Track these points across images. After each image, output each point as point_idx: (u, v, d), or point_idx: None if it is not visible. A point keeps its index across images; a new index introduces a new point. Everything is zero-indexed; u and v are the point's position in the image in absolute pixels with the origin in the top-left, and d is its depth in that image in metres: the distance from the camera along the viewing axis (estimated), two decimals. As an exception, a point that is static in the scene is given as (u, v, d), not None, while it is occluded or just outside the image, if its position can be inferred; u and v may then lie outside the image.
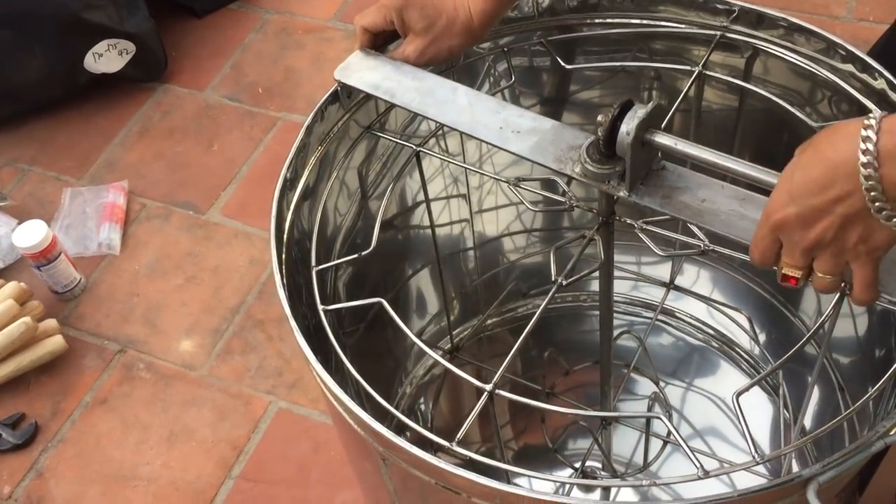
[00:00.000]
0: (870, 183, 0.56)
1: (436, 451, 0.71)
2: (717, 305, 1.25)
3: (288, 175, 0.88)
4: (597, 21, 1.02)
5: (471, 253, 1.25)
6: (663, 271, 1.25)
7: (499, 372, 0.73)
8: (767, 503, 0.68)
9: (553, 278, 0.78)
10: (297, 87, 1.84)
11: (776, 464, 1.08)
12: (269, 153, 1.73)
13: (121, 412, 1.40)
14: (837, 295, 0.68)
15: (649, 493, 1.12)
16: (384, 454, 0.74)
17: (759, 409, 1.20)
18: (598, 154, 0.74)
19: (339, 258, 0.95)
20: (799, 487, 0.66)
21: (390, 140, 0.98)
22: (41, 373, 1.45)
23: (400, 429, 0.76)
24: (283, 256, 0.85)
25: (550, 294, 0.76)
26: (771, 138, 1.04)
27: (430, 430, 1.24)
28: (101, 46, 1.74)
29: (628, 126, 0.69)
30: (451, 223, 1.20)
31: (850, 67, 0.91)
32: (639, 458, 1.12)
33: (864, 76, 0.90)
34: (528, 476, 0.76)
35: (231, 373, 1.43)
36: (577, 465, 1.14)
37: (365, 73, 0.88)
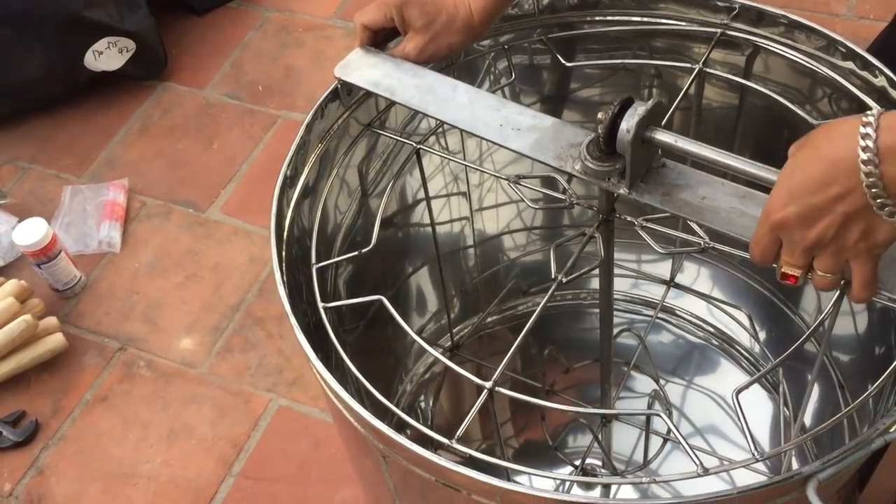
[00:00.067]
0: (871, 180, 0.56)
1: (436, 449, 0.71)
2: (717, 303, 1.25)
3: (288, 173, 0.88)
4: (597, 18, 1.02)
5: (471, 251, 1.25)
6: (663, 269, 1.25)
7: (498, 369, 0.73)
8: (767, 500, 0.67)
9: (553, 276, 0.78)
10: (297, 85, 1.84)
11: (776, 461, 1.08)
12: (269, 151, 1.73)
13: (121, 410, 1.40)
14: (837, 292, 0.68)
15: (649, 491, 1.12)
16: (384, 452, 0.74)
17: (760, 407, 1.20)
18: (599, 151, 0.74)
19: (339, 256, 0.95)
20: (799, 485, 0.66)
21: (390, 138, 0.98)
22: (42, 370, 1.45)
23: (400, 426, 0.76)
24: (284, 254, 0.85)
25: (550, 292, 0.76)
26: (771, 136, 1.04)
27: (431, 428, 1.24)
28: (101, 44, 1.74)
29: (628, 123, 0.69)
30: (452, 221, 1.20)
31: (850, 65, 0.91)
32: (639, 456, 1.12)
33: (865, 73, 0.90)
34: (528, 473, 0.76)
35: (231, 370, 1.43)
36: (578, 462, 1.14)
37: (365, 70, 0.88)
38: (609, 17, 1.02)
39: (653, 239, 0.80)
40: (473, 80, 1.06)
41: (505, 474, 0.83)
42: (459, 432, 0.70)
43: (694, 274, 1.28)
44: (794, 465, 1.09)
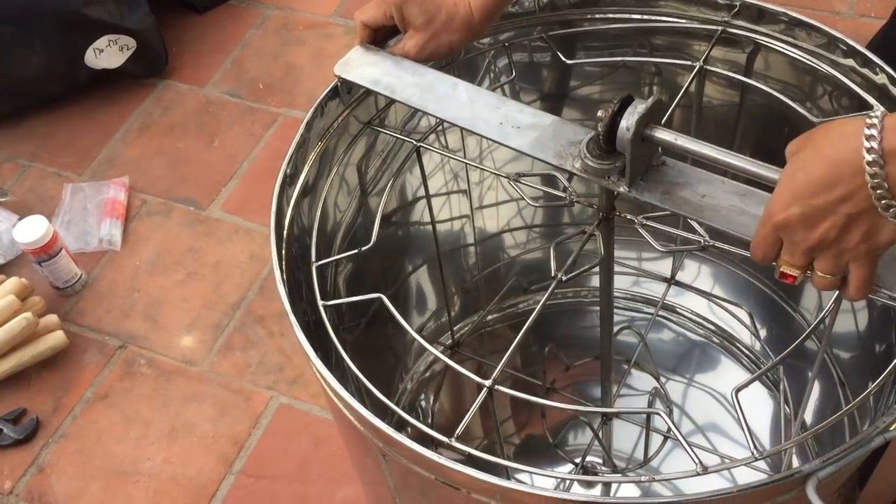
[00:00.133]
0: (876, 181, 0.56)
1: (436, 447, 0.71)
2: (717, 301, 1.25)
3: (288, 171, 0.88)
4: (597, 16, 1.02)
5: (471, 248, 1.25)
6: (664, 267, 1.25)
7: (498, 368, 0.73)
8: (768, 498, 0.68)
9: (553, 274, 0.78)
10: (298, 83, 1.84)
11: (776, 459, 1.09)
12: (269, 149, 1.73)
13: (122, 408, 1.40)
14: (837, 291, 0.68)
15: (650, 489, 1.12)
16: (384, 450, 0.74)
17: (760, 405, 1.20)
18: (598, 149, 0.73)
19: (339, 254, 0.95)
20: (799, 483, 0.66)
21: (390, 136, 0.98)
22: (42, 368, 1.45)
23: (400, 425, 0.76)
24: (284, 252, 0.85)
25: (550, 290, 0.76)
26: (772, 133, 1.04)
27: (431, 426, 1.24)
28: (101, 42, 1.74)
29: (628, 121, 0.69)
30: (452, 219, 1.20)
31: (850, 62, 0.90)
32: (640, 453, 1.12)
33: (865, 71, 0.89)
34: (529, 472, 0.76)
35: (232, 368, 1.43)
36: (578, 460, 1.14)
37: (365, 68, 0.88)
38: (609, 15, 1.01)
39: (653, 237, 0.80)
40: (474, 78, 1.06)
41: (505, 473, 0.84)
42: (459, 430, 0.70)
43: (695, 272, 1.28)
44: (795, 463, 1.09)
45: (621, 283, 1.28)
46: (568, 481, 1.12)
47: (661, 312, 1.26)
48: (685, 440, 0.70)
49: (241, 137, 1.75)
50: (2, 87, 1.76)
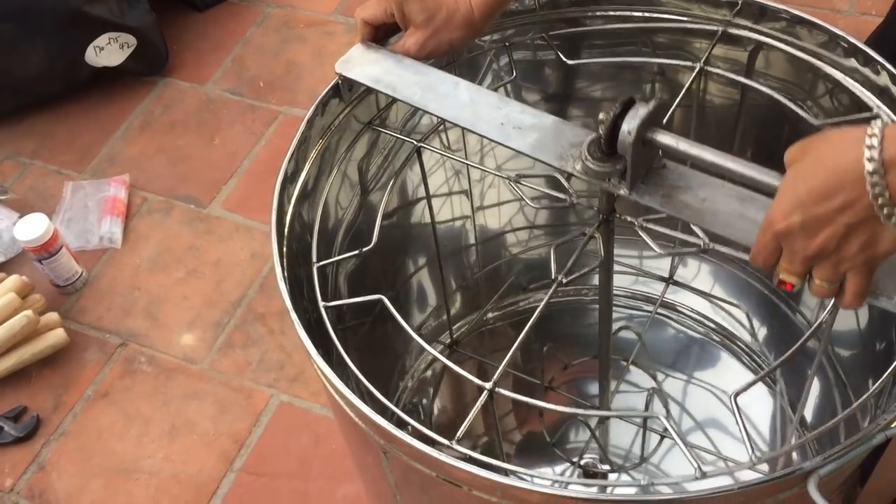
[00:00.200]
0: (877, 190, 0.56)
1: (436, 445, 0.71)
2: (717, 301, 1.25)
3: (289, 169, 0.88)
4: (598, 14, 1.02)
5: (472, 247, 1.25)
6: (665, 265, 1.25)
7: (498, 370, 0.73)
8: (769, 496, 0.68)
9: (553, 276, 0.79)
10: (299, 81, 1.84)
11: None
12: (270, 147, 1.73)
13: (122, 405, 1.40)
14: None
15: (651, 487, 1.12)
16: (385, 447, 0.75)
17: (760, 403, 1.20)
18: (600, 152, 0.73)
19: (340, 252, 0.95)
20: (800, 480, 0.66)
21: (391, 135, 0.98)
22: (43, 366, 1.45)
23: (401, 423, 0.76)
24: (285, 250, 0.85)
25: (550, 292, 0.76)
26: (772, 133, 1.04)
27: (432, 424, 1.25)
28: (102, 40, 1.74)
29: (630, 125, 0.69)
30: (453, 218, 1.20)
31: (852, 61, 0.90)
32: (637, 449, 1.12)
33: (866, 69, 0.89)
34: (527, 475, 0.76)
35: (232, 366, 1.43)
36: (576, 459, 1.14)
37: (366, 66, 0.88)
38: (611, 13, 1.01)
39: (653, 238, 0.80)
40: (475, 77, 1.06)
41: (505, 473, 0.83)
42: (459, 434, 0.70)
43: (695, 270, 1.28)
44: (795, 460, 1.09)
45: (622, 281, 1.29)
46: (567, 483, 1.12)
47: (661, 310, 1.26)
48: (684, 443, 0.70)
49: (242, 135, 1.75)
50: (2, 84, 1.76)
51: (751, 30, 0.96)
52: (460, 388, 1.29)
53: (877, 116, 0.86)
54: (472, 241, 1.24)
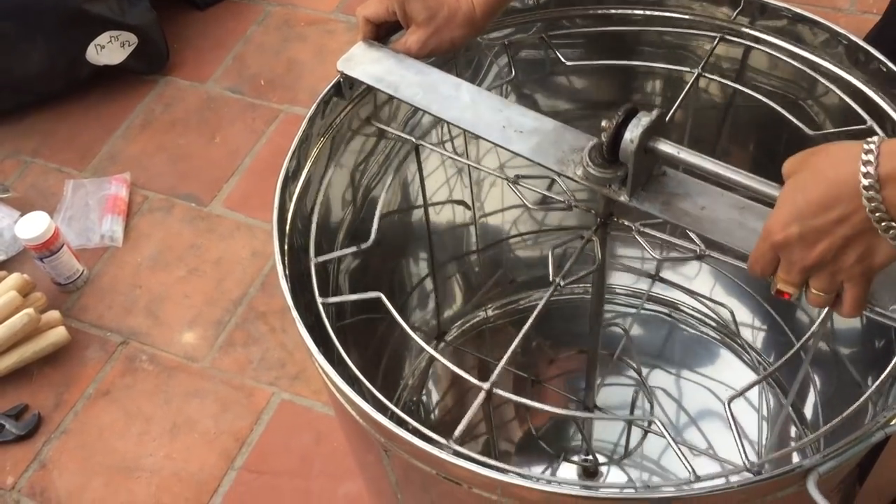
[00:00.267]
0: (873, 204, 0.57)
1: (435, 443, 0.71)
2: (717, 301, 1.25)
3: (290, 167, 0.88)
4: (599, 12, 1.02)
5: (472, 245, 1.25)
6: (665, 264, 1.25)
7: (496, 371, 0.73)
8: (767, 494, 0.68)
9: (550, 279, 0.79)
10: (300, 80, 1.84)
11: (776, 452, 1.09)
12: (271, 145, 1.73)
13: (123, 404, 1.41)
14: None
15: (650, 482, 1.13)
16: (386, 445, 0.75)
17: (758, 400, 1.20)
18: (601, 158, 0.74)
19: (340, 249, 0.95)
20: (799, 478, 0.66)
21: (391, 133, 0.98)
22: (44, 364, 1.45)
23: (402, 421, 0.76)
24: (286, 248, 0.85)
25: (548, 294, 0.77)
26: (772, 133, 1.04)
27: (432, 420, 1.25)
28: (103, 38, 1.74)
29: (632, 133, 0.69)
30: (453, 215, 1.20)
31: (853, 59, 0.91)
32: (625, 442, 1.14)
33: (867, 68, 0.89)
34: (522, 475, 0.77)
35: (233, 364, 1.43)
36: (574, 456, 1.16)
37: (368, 65, 0.88)
38: (612, 10, 1.01)
39: (650, 241, 0.80)
40: (476, 76, 1.06)
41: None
42: (457, 433, 0.70)
43: (695, 268, 1.28)
44: (795, 458, 1.09)
45: (622, 279, 1.29)
46: (561, 479, 1.13)
47: (657, 307, 1.27)
48: (676, 444, 0.70)
49: (243, 134, 1.75)
50: (3, 83, 1.77)
51: (752, 28, 0.96)
52: (461, 384, 1.29)
53: (872, 130, 0.87)
54: (471, 238, 1.24)
